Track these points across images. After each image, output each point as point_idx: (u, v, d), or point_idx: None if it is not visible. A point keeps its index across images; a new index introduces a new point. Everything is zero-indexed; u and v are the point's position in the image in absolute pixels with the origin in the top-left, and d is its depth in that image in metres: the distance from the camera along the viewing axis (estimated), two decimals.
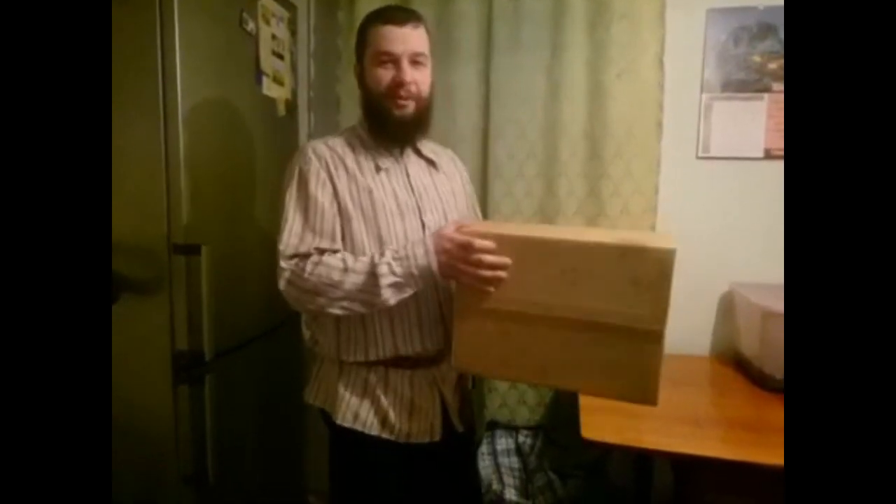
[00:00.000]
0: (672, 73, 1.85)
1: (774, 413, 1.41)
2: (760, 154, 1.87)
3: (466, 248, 1.03)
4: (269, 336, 1.81)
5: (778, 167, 1.85)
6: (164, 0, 1.30)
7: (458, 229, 1.08)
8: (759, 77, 1.85)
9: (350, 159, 1.19)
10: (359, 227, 1.15)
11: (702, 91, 1.89)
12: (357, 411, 1.20)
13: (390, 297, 1.08)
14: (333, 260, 1.10)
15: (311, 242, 1.13)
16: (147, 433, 1.39)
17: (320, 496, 2.23)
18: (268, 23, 1.75)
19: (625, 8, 1.80)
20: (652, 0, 1.80)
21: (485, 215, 1.80)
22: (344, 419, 1.20)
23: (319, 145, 1.20)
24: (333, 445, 1.27)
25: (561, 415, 1.92)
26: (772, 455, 1.17)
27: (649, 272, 0.93)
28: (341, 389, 1.21)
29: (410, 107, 1.19)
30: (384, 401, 1.20)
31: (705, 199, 1.91)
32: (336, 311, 1.10)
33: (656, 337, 0.95)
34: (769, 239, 1.84)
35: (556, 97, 1.87)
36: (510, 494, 1.87)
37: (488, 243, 1.01)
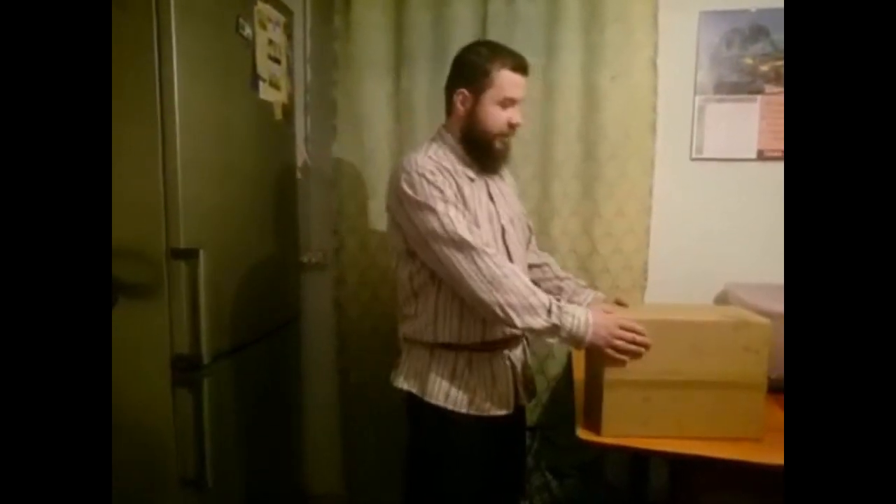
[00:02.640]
0: (665, 75, 1.86)
1: (769, 412, 1.42)
2: (754, 155, 1.89)
3: (630, 330, 1.25)
4: (267, 339, 1.81)
5: (771, 168, 1.88)
6: (161, 5, 1.30)
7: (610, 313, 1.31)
8: (751, 79, 1.87)
9: (455, 171, 1.33)
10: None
11: (695, 93, 1.91)
12: (448, 391, 1.36)
13: (535, 327, 1.25)
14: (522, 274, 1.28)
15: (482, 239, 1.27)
16: (146, 436, 1.39)
17: (320, 499, 2.23)
18: (264, 28, 1.75)
19: (618, 11, 1.82)
20: (645, 3, 1.82)
21: None
22: (437, 398, 1.35)
23: (429, 161, 1.30)
24: (420, 423, 1.41)
25: (557, 415, 1.93)
26: (767, 454, 1.18)
27: (756, 340, 1.24)
28: (433, 374, 1.36)
29: (506, 142, 1.38)
30: (471, 381, 1.36)
31: (699, 200, 1.93)
32: (488, 304, 1.24)
33: (762, 387, 1.25)
34: (764, 239, 1.86)
35: (550, 99, 1.89)
36: None
37: (642, 328, 1.25)
